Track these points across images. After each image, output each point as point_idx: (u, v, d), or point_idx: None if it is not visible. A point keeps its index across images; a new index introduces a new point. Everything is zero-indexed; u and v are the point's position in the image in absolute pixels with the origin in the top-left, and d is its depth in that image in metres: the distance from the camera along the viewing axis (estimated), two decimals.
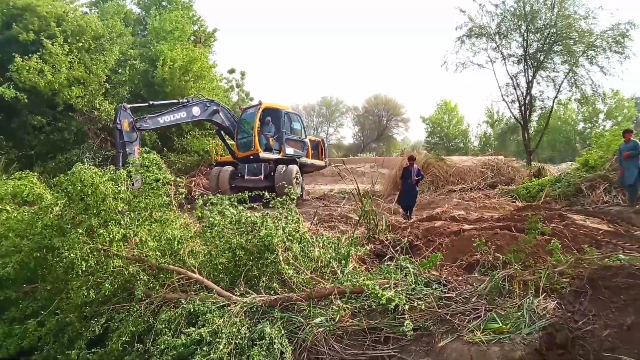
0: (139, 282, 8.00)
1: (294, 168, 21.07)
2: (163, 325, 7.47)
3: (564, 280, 8.66)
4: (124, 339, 7.46)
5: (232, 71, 32.53)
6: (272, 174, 20.48)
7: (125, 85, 26.66)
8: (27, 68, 22.54)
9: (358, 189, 14.66)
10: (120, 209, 8.52)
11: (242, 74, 36.40)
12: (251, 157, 20.74)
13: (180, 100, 21.57)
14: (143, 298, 7.93)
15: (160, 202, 8.81)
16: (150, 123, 19.66)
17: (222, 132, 22.20)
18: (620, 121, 49.32)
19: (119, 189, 8.56)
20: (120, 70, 26.18)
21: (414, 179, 16.87)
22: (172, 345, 7.09)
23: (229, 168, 20.73)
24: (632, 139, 16.44)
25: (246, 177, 18.48)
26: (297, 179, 21.20)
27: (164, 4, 31.71)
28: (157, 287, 8.19)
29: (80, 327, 7.90)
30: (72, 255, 7.62)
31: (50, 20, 23.91)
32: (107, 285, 7.76)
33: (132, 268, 8.13)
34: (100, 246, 8.07)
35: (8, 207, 10.43)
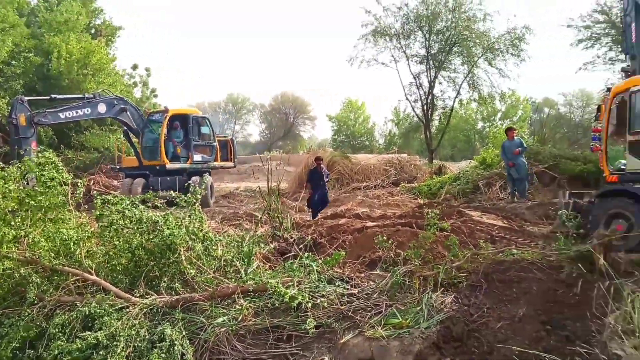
0: (31, 284, 7.66)
1: (207, 180, 20.71)
2: (57, 330, 7.18)
3: (461, 274, 8.90)
4: (14, 344, 7.13)
5: (135, 67, 31.69)
6: (186, 186, 20.02)
7: (19, 78, 25.47)
8: None
9: (269, 186, 14.55)
10: (10, 209, 8.11)
11: (147, 70, 35.55)
12: (158, 167, 20.10)
13: (86, 96, 20.48)
14: (35, 301, 7.59)
15: (55, 202, 8.48)
16: (50, 118, 18.63)
17: (130, 133, 21.34)
18: (517, 121, 51.41)
19: (9, 187, 8.15)
20: (14, 63, 24.96)
21: (326, 181, 16.48)
22: (66, 350, 6.83)
23: (141, 180, 19.91)
24: (515, 136, 17.13)
25: (161, 192, 17.97)
26: (210, 188, 20.95)
27: None
28: (51, 290, 7.85)
29: None
30: None
31: None
32: None
33: (24, 270, 7.77)
34: None
35: None
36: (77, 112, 19.80)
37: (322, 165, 16.58)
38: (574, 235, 10.60)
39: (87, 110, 20.00)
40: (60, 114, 19.16)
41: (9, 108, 22.70)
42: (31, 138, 17.64)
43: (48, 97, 20.02)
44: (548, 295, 8.39)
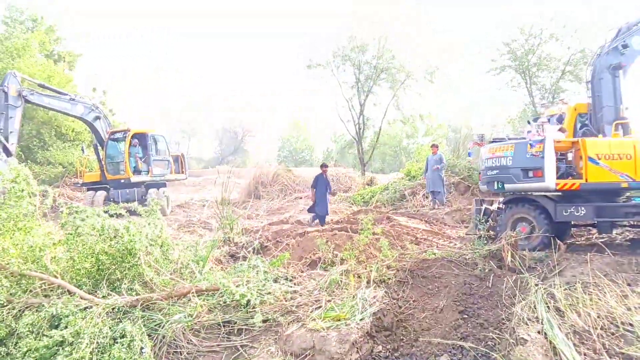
0: (0, 288, 7.39)
1: (164, 191, 20.50)
2: (25, 329, 6.95)
3: (390, 272, 9.00)
4: None
5: (94, 89, 30.85)
6: (144, 197, 19.67)
7: None
8: None
9: (222, 196, 14.38)
10: None
11: (104, 92, 34.84)
12: (122, 181, 19.73)
13: (70, 95, 20.09)
14: (5, 303, 7.32)
15: (24, 212, 8.23)
16: (36, 98, 18.30)
17: (98, 144, 20.84)
18: (436, 138, 52.50)
19: None
20: None
21: (330, 187, 16.06)
22: (34, 348, 6.63)
23: (103, 193, 19.50)
24: (437, 152, 17.50)
25: (121, 203, 17.51)
26: (167, 200, 20.69)
27: (28, 25, 29.72)
28: (19, 293, 7.58)
29: None
30: None
31: None
32: None
33: None
34: None
35: None
36: (59, 104, 19.42)
37: (327, 172, 15.99)
38: (486, 236, 10.85)
39: (68, 106, 19.49)
40: (45, 99, 18.70)
41: None
42: (18, 108, 17.43)
43: (38, 83, 19.53)
44: (464, 288, 8.56)
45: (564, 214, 10.13)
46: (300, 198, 22.56)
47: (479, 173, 12.51)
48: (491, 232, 11.02)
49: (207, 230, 14.38)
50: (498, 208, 11.40)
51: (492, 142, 11.95)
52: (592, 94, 11.16)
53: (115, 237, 8.19)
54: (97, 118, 20.31)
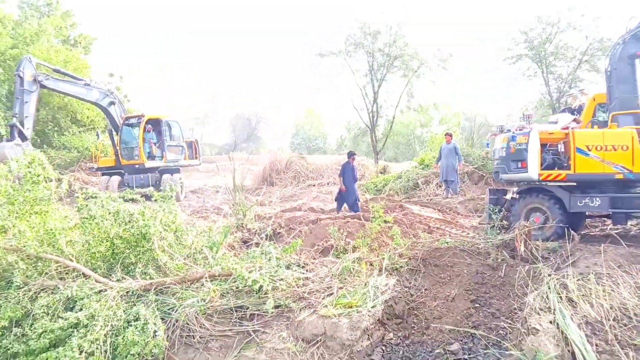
0: (17, 270, 7.48)
1: (178, 177, 20.55)
2: (41, 311, 7.04)
3: (403, 260, 9.01)
4: (2, 324, 6.96)
5: (111, 75, 30.96)
6: (157, 182, 19.74)
7: (4, 84, 24.77)
8: None
9: (234, 182, 14.42)
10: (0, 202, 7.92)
11: (121, 77, 34.92)
12: (137, 167, 19.78)
13: (85, 80, 20.13)
14: (21, 285, 7.41)
15: (40, 196, 8.30)
16: (51, 83, 18.33)
17: (112, 130, 20.89)
18: (450, 127, 52.10)
19: None
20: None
21: (357, 175, 15.74)
22: (49, 329, 6.71)
23: (117, 178, 19.55)
24: (452, 141, 17.41)
25: (135, 188, 17.58)
26: (181, 186, 20.75)
27: (44, 10, 29.77)
28: (35, 275, 7.68)
29: None
30: None
31: None
32: None
33: (10, 257, 7.59)
34: None
35: None
36: (74, 89, 19.48)
37: (354, 160, 15.57)
38: (499, 226, 10.82)
39: (83, 91, 19.59)
40: (60, 84, 18.80)
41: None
42: (33, 93, 17.48)
43: (53, 68, 19.58)
44: (476, 277, 8.55)
45: (579, 204, 10.08)
46: (314, 185, 22.59)
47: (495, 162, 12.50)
48: (504, 222, 10.98)
49: (221, 216, 14.43)
50: (512, 198, 11.36)
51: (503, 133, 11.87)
52: (607, 84, 11.04)
53: (129, 221, 8.25)
54: (112, 103, 20.37)
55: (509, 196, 11.60)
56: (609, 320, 6.20)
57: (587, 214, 10.76)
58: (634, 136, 9.79)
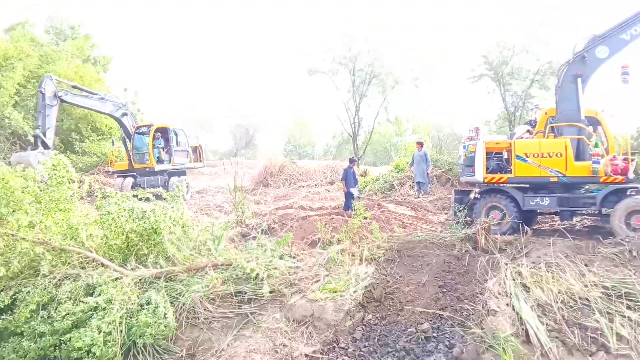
0: (44, 260, 7.42)
1: (184, 179, 20.48)
2: (65, 296, 7.01)
3: (380, 251, 9.03)
4: (30, 307, 6.91)
5: (125, 90, 30.69)
6: (166, 183, 19.65)
7: (33, 98, 24.54)
8: None
9: (235, 184, 14.36)
10: (28, 201, 7.85)
11: (135, 92, 34.67)
12: (147, 170, 19.72)
13: (100, 94, 20.04)
14: (47, 274, 7.36)
15: (64, 195, 8.26)
16: (69, 97, 18.20)
17: (126, 138, 20.81)
18: (421, 136, 52.18)
19: (27, 184, 7.91)
20: (28, 85, 23.96)
21: (357, 179, 15.41)
22: (72, 312, 6.70)
23: (130, 179, 19.45)
24: (422, 148, 17.46)
25: (146, 188, 17.36)
26: (187, 187, 20.68)
27: (67, 33, 29.60)
28: (60, 265, 7.63)
29: None
30: None
31: None
32: (15, 263, 7.16)
33: (37, 249, 7.53)
34: (9, 231, 7.41)
35: None
36: (90, 103, 19.39)
37: (354, 166, 15.23)
38: (463, 222, 10.87)
39: (98, 104, 19.48)
40: (78, 98, 18.67)
41: (26, 119, 22.10)
42: (54, 107, 17.34)
43: (72, 85, 19.48)
44: (444, 266, 8.60)
45: (531, 203, 10.22)
46: (303, 187, 22.56)
47: (459, 166, 12.62)
48: (468, 219, 11.04)
49: (222, 213, 14.39)
50: (474, 197, 11.44)
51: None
52: (556, 99, 11.15)
53: (142, 218, 8.23)
54: (124, 115, 20.25)
55: (471, 196, 11.67)
56: (557, 302, 6.25)
57: (538, 211, 10.85)
58: (567, 145, 9.96)
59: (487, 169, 10.51)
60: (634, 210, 9.37)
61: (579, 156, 10.21)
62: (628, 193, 9.62)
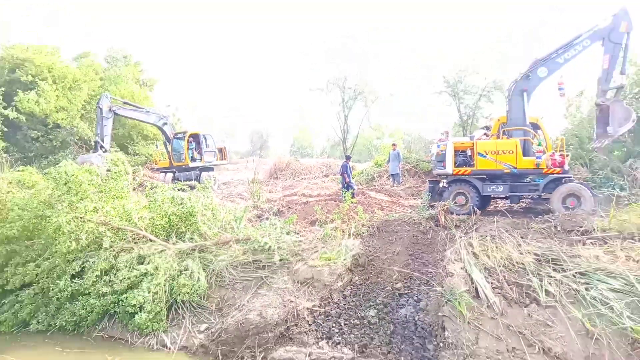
0: (105, 237, 7.45)
1: (213, 174, 20.39)
2: (122, 264, 7.07)
3: (364, 228, 9.04)
4: (95, 273, 6.96)
5: (168, 105, 30.42)
6: (198, 177, 19.61)
7: (95, 111, 24.35)
8: (27, 99, 20.50)
9: (253, 177, 14.34)
10: (93, 191, 7.86)
11: (176, 107, 34.34)
12: (183, 167, 19.71)
13: (146, 108, 20.06)
14: (108, 247, 7.38)
15: (121, 186, 8.28)
16: (121, 111, 18.15)
17: (166, 142, 20.74)
18: (396, 139, 52.02)
19: (92, 178, 7.92)
20: (92, 102, 23.80)
21: (351, 172, 14.43)
22: (127, 277, 6.76)
23: (170, 174, 19.41)
24: (396, 149, 17.39)
25: (183, 181, 17.14)
26: (215, 180, 20.59)
27: (122, 60, 29.35)
28: (117, 241, 7.64)
29: (65, 267, 7.25)
30: (59, 220, 7.10)
31: (42, 68, 21.74)
32: (83, 239, 7.22)
33: (100, 228, 7.55)
34: (78, 214, 7.42)
35: (14, 190, 9.41)
36: (137, 115, 19.41)
37: (350, 161, 14.71)
38: (431, 205, 10.86)
39: (144, 116, 19.49)
40: (128, 112, 18.72)
41: (90, 128, 22.05)
42: (110, 119, 17.31)
43: (123, 101, 19.41)
44: (413, 239, 8.62)
45: (488, 190, 10.22)
46: (305, 179, 22.49)
47: (432, 161, 12.57)
48: (435, 203, 10.97)
49: (242, 200, 14.37)
50: (443, 186, 11.38)
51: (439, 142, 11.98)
52: (507, 109, 11.10)
53: (181, 204, 8.23)
54: (165, 124, 20.11)
55: (441, 185, 11.59)
56: (499, 267, 6.28)
57: (492, 196, 10.81)
58: (517, 144, 9.97)
59: (455, 163, 10.44)
60: (568, 194, 9.48)
61: (525, 153, 10.23)
62: (563, 181, 9.71)
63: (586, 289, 5.53)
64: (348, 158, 14.81)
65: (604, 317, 5.06)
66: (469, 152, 10.56)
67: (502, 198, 11.06)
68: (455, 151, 10.49)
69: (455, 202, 10.30)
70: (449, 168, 10.40)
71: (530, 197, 10.56)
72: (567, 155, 10.25)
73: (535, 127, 10.76)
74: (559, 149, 10.36)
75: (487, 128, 12.18)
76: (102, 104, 17.10)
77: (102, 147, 16.74)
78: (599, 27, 10.19)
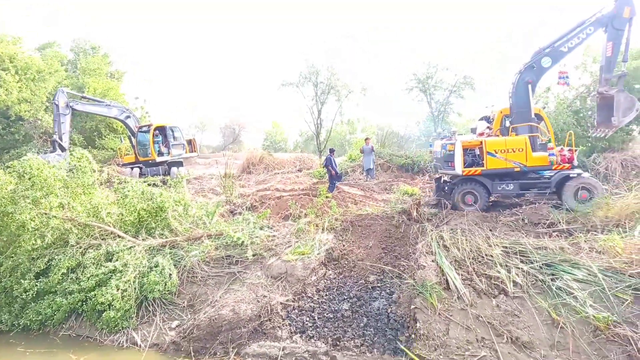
0: (71, 234, 7.22)
1: (182, 169, 19.91)
2: (89, 262, 6.87)
3: (338, 223, 9.04)
4: (62, 271, 6.72)
5: (137, 98, 29.52)
6: (167, 172, 19.06)
7: None
8: None
9: (226, 171, 14.12)
10: (59, 187, 7.56)
11: (145, 100, 33.38)
12: (150, 161, 19.11)
13: (106, 102, 19.25)
14: (74, 244, 7.14)
15: (87, 182, 7.99)
16: (79, 106, 17.44)
17: (131, 136, 20.05)
18: (369, 134, 52.27)
19: (57, 172, 7.61)
20: None
21: (336, 164, 14.36)
22: (95, 274, 6.57)
23: (137, 170, 18.79)
24: (370, 143, 17.42)
25: (150, 176, 16.56)
26: (187, 174, 20.12)
27: (89, 52, 28.26)
28: (84, 237, 7.41)
29: (29, 265, 6.97)
30: (23, 217, 6.83)
31: (4, 58, 20.75)
32: (48, 236, 6.96)
33: (66, 225, 7.29)
34: (43, 211, 7.13)
35: None
36: (98, 109, 18.66)
37: (334, 154, 14.61)
38: (436, 201, 10.72)
39: (105, 110, 18.77)
40: (87, 106, 17.96)
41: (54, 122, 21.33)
42: (67, 115, 16.59)
43: (80, 95, 18.64)
44: (386, 233, 8.68)
45: (498, 188, 9.99)
46: (278, 174, 22.38)
47: (434, 159, 11.91)
48: (440, 199, 10.76)
49: (215, 195, 14.16)
50: (443, 181, 11.11)
51: (441, 139, 11.48)
52: (510, 102, 10.76)
53: (151, 199, 8.05)
54: (128, 117, 19.45)
55: (442, 180, 11.27)
56: (469, 259, 6.40)
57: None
58: (526, 141, 9.75)
59: (464, 163, 10.00)
60: (579, 187, 9.32)
61: (532, 149, 9.91)
62: (571, 176, 9.52)
63: (552, 280, 5.73)
64: (332, 151, 14.80)
65: (569, 306, 5.25)
66: (477, 151, 10.26)
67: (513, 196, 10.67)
68: (463, 150, 10.10)
69: (464, 202, 10.00)
70: (459, 169, 9.97)
71: (539, 193, 10.12)
72: (575, 150, 10.04)
73: (538, 118, 10.54)
74: (566, 144, 10.25)
75: (487, 119, 11.88)
76: (59, 100, 16.29)
77: (60, 146, 16.00)
78: (602, 13, 9.96)
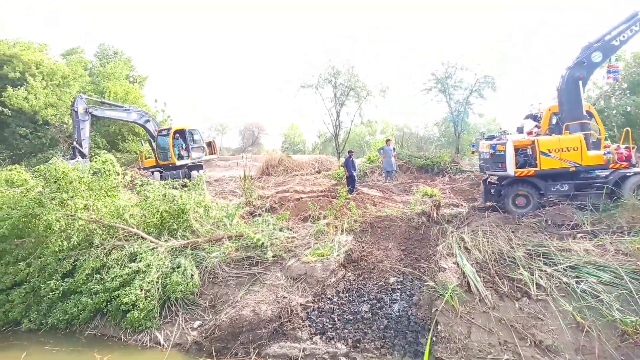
0: (96, 235, 7.39)
1: (202, 172, 20.06)
2: (113, 262, 7.01)
3: (357, 224, 9.04)
4: (87, 272, 6.89)
5: (156, 100, 29.99)
6: (187, 175, 19.23)
7: None
8: (16, 95, 20.23)
9: (244, 173, 14.26)
10: (83, 189, 7.76)
11: (165, 103, 33.94)
12: (170, 165, 19.34)
13: (125, 106, 19.46)
14: (99, 245, 7.30)
15: (111, 184, 8.18)
16: (99, 112, 17.60)
17: (151, 140, 20.30)
18: (388, 135, 51.94)
19: (82, 175, 7.82)
20: None
21: (355, 166, 14.28)
22: (119, 275, 6.70)
23: (158, 173, 19.01)
24: (391, 144, 17.30)
25: (171, 179, 16.67)
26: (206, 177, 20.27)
27: (112, 57, 28.99)
28: (108, 238, 7.57)
29: (56, 266, 7.15)
30: (49, 218, 7.03)
31: (31, 64, 21.46)
32: (74, 237, 7.14)
33: (91, 226, 7.47)
34: (69, 212, 7.33)
35: (2, 189, 9.25)
36: (116, 114, 18.81)
37: (352, 155, 14.37)
38: (485, 205, 10.44)
39: (124, 115, 18.92)
40: (106, 112, 18.13)
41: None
42: (86, 121, 16.72)
43: (100, 101, 18.94)
44: (405, 234, 8.64)
45: (552, 189, 9.60)
46: (297, 175, 22.47)
47: (480, 160, 11.25)
48: (493, 203, 10.30)
49: (235, 197, 14.31)
50: (489, 183, 10.76)
51: (487, 139, 11.04)
52: (559, 99, 10.37)
53: (173, 201, 8.18)
54: (147, 121, 19.59)
55: (487, 181, 10.93)
56: (491, 261, 6.32)
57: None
58: (581, 140, 9.38)
59: (516, 164, 9.60)
60: (639, 185, 8.99)
61: (587, 147, 9.49)
62: (629, 175, 9.18)
63: (576, 282, 5.60)
64: (351, 152, 14.69)
65: (594, 309, 5.12)
66: (528, 151, 9.87)
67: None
68: (515, 150, 9.72)
69: (515, 205, 9.63)
70: (510, 170, 9.53)
71: (594, 193, 9.56)
72: (633, 148, 9.61)
73: (589, 115, 10.14)
74: (622, 141, 9.89)
75: (534, 117, 11.46)
76: (77, 106, 16.41)
77: (80, 152, 16.16)
78: None
